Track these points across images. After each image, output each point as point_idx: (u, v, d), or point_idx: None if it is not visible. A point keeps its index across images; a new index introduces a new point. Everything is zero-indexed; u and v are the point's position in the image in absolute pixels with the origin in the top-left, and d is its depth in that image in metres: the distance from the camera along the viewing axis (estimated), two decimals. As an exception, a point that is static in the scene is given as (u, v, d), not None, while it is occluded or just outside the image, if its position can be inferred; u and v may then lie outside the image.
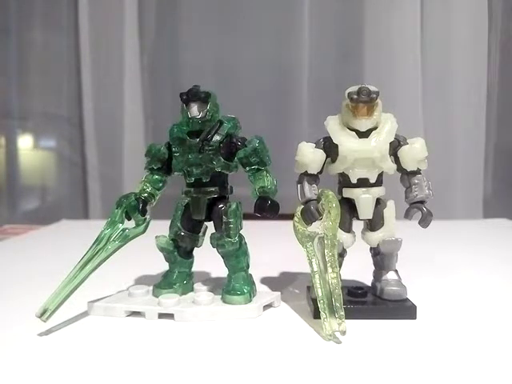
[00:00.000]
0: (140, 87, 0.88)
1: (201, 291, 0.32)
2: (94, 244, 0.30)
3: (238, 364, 0.23)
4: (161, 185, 0.32)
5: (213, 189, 0.31)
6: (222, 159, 0.30)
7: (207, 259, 0.33)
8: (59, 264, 0.29)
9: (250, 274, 0.32)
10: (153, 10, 0.88)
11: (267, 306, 0.31)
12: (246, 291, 0.30)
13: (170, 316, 0.29)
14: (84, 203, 0.92)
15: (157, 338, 0.27)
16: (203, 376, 0.22)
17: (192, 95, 0.30)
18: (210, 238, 0.31)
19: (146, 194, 0.32)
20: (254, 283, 0.32)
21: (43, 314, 0.27)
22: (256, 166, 0.30)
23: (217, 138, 0.30)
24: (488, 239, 0.59)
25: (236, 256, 0.31)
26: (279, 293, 0.32)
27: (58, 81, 0.90)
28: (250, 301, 0.30)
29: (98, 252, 0.30)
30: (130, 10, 0.86)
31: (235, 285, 0.30)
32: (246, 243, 0.31)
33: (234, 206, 0.30)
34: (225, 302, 0.30)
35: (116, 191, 0.87)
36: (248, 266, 0.32)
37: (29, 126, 0.95)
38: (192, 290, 0.32)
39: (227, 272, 0.32)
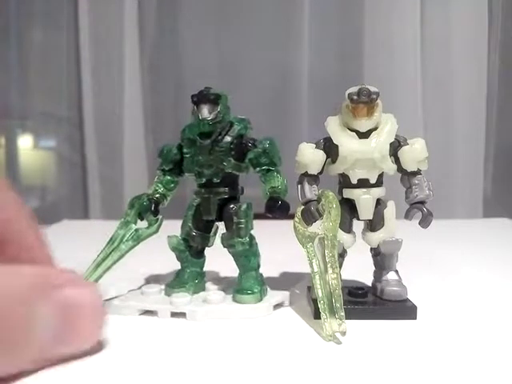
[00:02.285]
0: (140, 87, 0.88)
1: (212, 290, 0.32)
2: (107, 244, 0.30)
3: (238, 363, 0.23)
4: (172, 185, 0.33)
5: (223, 189, 0.31)
6: (233, 160, 0.30)
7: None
8: (60, 264, 0.29)
9: (261, 274, 0.32)
10: (153, 10, 0.88)
11: (278, 306, 0.31)
12: (256, 290, 0.30)
13: (182, 315, 0.29)
14: (84, 203, 0.92)
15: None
16: (200, 375, 0.22)
17: (202, 97, 0.30)
18: (221, 238, 0.32)
19: (158, 195, 0.32)
20: (264, 283, 0.32)
21: None
22: (266, 167, 0.30)
23: (227, 139, 0.30)
24: (488, 239, 0.59)
25: (246, 256, 0.31)
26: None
27: (58, 81, 0.90)
28: (261, 300, 0.30)
29: (111, 252, 0.30)
30: (130, 10, 0.86)
31: (246, 284, 0.31)
32: (256, 243, 0.32)
33: (244, 207, 0.31)
34: (235, 301, 0.30)
35: (116, 191, 0.87)
36: (259, 266, 0.32)
37: (29, 125, 0.95)
38: (204, 289, 0.33)
39: (238, 271, 0.32)
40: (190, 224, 0.32)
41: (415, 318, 0.29)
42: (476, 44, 0.81)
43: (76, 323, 0.21)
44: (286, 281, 0.38)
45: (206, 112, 0.30)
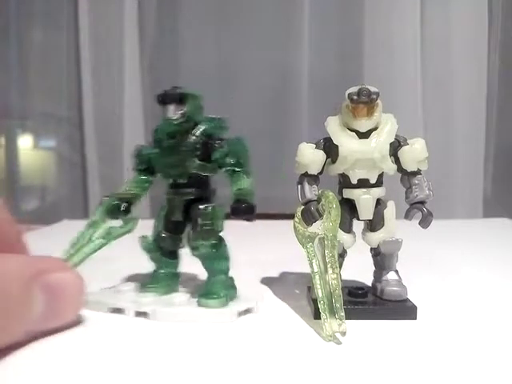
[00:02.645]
0: (140, 87, 0.88)
1: (181, 292, 0.32)
2: (73, 243, 0.30)
3: (237, 364, 0.23)
4: (147, 185, 0.32)
5: (189, 190, 0.31)
6: (197, 160, 0.30)
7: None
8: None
9: (231, 278, 0.31)
10: (153, 10, 0.88)
11: (245, 312, 0.30)
12: (222, 295, 0.29)
13: (143, 314, 0.29)
14: (84, 203, 0.92)
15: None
16: (203, 375, 0.22)
17: (167, 97, 0.30)
18: (187, 240, 0.31)
19: (129, 195, 0.32)
20: (233, 287, 0.31)
21: None
22: (232, 168, 0.30)
23: (191, 139, 0.30)
24: (488, 239, 0.59)
25: (211, 259, 0.30)
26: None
27: (58, 81, 0.90)
28: (226, 305, 0.29)
29: (78, 250, 0.30)
30: (130, 10, 0.86)
31: (211, 288, 0.30)
32: (225, 245, 0.31)
33: (210, 208, 0.30)
34: (200, 304, 0.30)
35: (116, 191, 0.87)
36: (228, 270, 0.31)
37: (29, 125, 0.95)
38: (177, 290, 0.33)
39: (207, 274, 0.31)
40: (160, 225, 0.32)
41: (415, 318, 0.29)
42: (476, 44, 0.81)
43: (61, 302, 0.25)
44: (286, 281, 0.38)
45: (171, 112, 0.29)
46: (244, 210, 0.29)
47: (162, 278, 0.32)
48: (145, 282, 0.32)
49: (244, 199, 0.29)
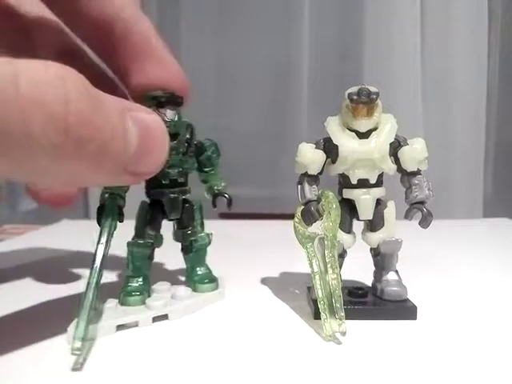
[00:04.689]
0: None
1: (171, 287, 0.32)
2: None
3: (238, 364, 0.23)
4: (125, 188, 0.31)
5: (187, 188, 0.33)
6: (195, 160, 0.32)
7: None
8: (59, 264, 0.28)
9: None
10: (153, 10, 0.88)
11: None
12: (214, 278, 0.33)
13: (159, 318, 0.29)
14: (84, 203, 0.92)
15: (156, 343, 0.26)
16: (203, 376, 0.22)
17: (168, 99, 0.30)
18: (182, 234, 0.33)
19: (121, 193, 0.30)
20: (211, 271, 0.34)
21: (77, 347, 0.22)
22: (215, 167, 0.33)
23: (190, 140, 0.31)
24: (488, 239, 0.59)
25: (205, 248, 0.34)
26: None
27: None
28: (218, 287, 0.33)
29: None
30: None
31: (203, 274, 0.33)
32: None
33: (199, 204, 0.33)
34: (198, 291, 0.32)
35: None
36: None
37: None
38: (153, 289, 0.32)
39: (190, 265, 0.33)
40: (147, 226, 0.32)
41: (415, 319, 0.29)
42: (476, 44, 0.81)
43: (150, 143, 0.24)
44: (286, 281, 0.38)
45: (171, 113, 0.30)
46: (229, 201, 0.33)
47: (144, 281, 0.31)
48: (126, 292, 0.30)
49: (226, 193, 0.33)
